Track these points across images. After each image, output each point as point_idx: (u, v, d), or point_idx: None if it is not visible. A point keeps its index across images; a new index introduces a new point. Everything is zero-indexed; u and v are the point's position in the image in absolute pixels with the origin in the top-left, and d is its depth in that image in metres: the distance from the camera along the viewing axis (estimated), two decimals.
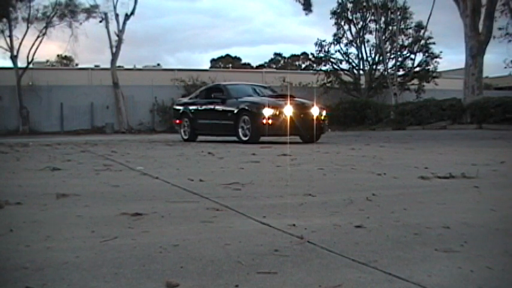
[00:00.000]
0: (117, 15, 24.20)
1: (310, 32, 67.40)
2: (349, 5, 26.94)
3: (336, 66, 26.90)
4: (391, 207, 2.67)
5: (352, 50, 27.04)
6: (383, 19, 26.42)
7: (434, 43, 26.17)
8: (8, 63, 23.70)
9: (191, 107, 12.40)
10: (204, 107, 11.94)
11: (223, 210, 2.63)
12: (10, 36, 23.28)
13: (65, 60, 40.26)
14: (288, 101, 10.37)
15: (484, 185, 3.47)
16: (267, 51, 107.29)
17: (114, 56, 24.16)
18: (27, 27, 23.54)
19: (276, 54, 52.60)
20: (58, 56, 40.27)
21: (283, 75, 25.98)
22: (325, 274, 1.53)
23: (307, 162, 5.72)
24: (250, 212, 2.53)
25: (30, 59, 23.54)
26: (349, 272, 1.56)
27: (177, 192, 3.32)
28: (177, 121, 12.92)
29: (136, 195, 3.19)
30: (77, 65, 34.55)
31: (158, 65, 33.51)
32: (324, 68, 26.97)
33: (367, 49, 26.90)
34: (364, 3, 26.46)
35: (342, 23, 26.99)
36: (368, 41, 27.08)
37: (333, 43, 26.77)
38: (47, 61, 31.06)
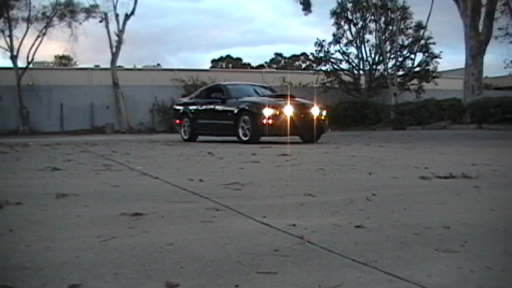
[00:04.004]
0: (117, 15, 24.25)
1: (311, 32, 67.31)
2: (349, 5, 26.96)
3: (335, 66, 26.92)
4: (391, 207, 2.67)
5: (352, 50, 27.11)
6: (383, 19, 26.44)
7: (434, 43, 26.24)
8: (8, 63, 23.77)
9: (191, 107, 12.41)
10: (204, 107, 11.94)
11: (223, 210, 2.63)
12: (10, 36, 23.31)
13: (63, 60, 40.26)
14: (288, 101, 10.37)
15: (484, 185, 3.47)
16: (268, 52, 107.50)
17: (114, 56, 24.17)
18: (27, 27, 23.60)
19: (276, 54, 52.68)
20: (55, 56, 40.28)
21: (283, 75, 26.00)
22: (325, 274, 1.53)
23: (307, 162, 5.72)
24: (250, 212, 2.53)
25: (30, 59, 23.58)
26: (349, 272, 1.55)
27: (177, 192, 3.32)
28: (177, 121, 12.92)
29: (136, 195, 3.19)
30: (76, 64, 34.56)
31: (158, 65, 33.53)
32: (323, 68, 26.99)
33: (367, 49, 26.95)
34: (364, 3, 26.46)
35: (342, 23, 27.03)
36: (368, 41, 27.13)
37: (333, 43, 26.82)
38: (44, 62, 31.07)
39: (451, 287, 1.42)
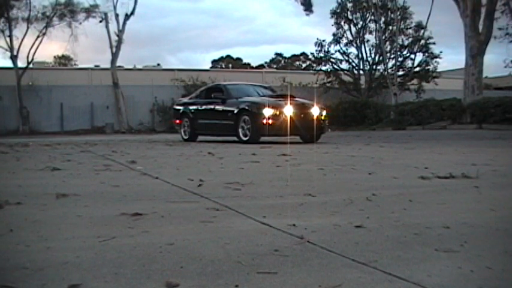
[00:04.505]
0: (117, 15, 24.25)
1: (311, 32, 67.41)
2: (349, 5, 26.96)
3: (335, 66, 26.92)
4: (391, 207, 2.67)
5: (352, 50, 27.11)
6: (383, 19, 26.43)
7: (434, 43, 26.24)
8: (8, 63, 23.77)
9: (191, 107, 12.41)
10: (204, 107, 11.95)
11: (223, 210, 2.63)
12: (10, 36, 23.32)
13: (62, 60, 40.26)
14: (288, 101, 10.37)
15: (484, 185, 3.47)
16: (268, 52, 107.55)
17: (114, 56, 24.17)
18: (27, 27, 23.61)
19: (276, 54, 52.68)
20: (55, 57, 40.27)
21: (283, 75, 25.99)
22: (325, 274, 1.53)
23: (307, 162, 5.72)
24: (250, 212, 2.53)
25: (30, 59, 23.58)
26: (349, 272, 1.55)
27: (177, 192, 3.32)
28: (177, 121, 12.93)
29: (136, 195, 3.19)
30: (76, 64, 34.56)
31: (158, 65, 33.53)
32: (324, 68, 27.00)
33: (367, 49, 26.95)
34: (364, 3, 26.46)
35: (342, 23, 27.04)
36: (368, 41, 27.13)
37: (333, 43, 26.82)
38: (44, 62, 31.10)
39: (451, 287, 1.42)
